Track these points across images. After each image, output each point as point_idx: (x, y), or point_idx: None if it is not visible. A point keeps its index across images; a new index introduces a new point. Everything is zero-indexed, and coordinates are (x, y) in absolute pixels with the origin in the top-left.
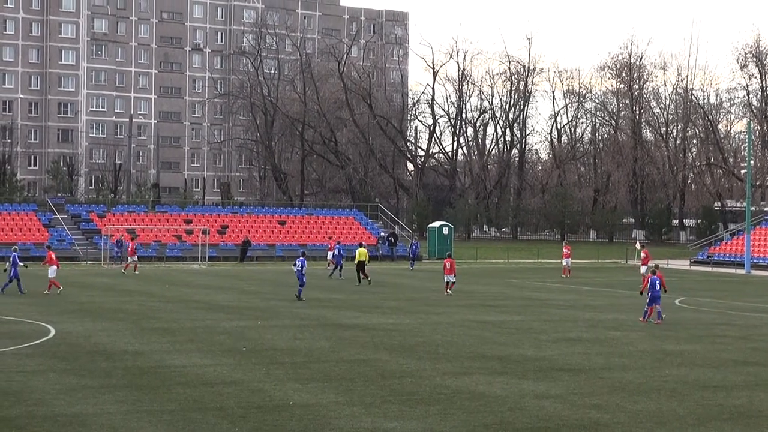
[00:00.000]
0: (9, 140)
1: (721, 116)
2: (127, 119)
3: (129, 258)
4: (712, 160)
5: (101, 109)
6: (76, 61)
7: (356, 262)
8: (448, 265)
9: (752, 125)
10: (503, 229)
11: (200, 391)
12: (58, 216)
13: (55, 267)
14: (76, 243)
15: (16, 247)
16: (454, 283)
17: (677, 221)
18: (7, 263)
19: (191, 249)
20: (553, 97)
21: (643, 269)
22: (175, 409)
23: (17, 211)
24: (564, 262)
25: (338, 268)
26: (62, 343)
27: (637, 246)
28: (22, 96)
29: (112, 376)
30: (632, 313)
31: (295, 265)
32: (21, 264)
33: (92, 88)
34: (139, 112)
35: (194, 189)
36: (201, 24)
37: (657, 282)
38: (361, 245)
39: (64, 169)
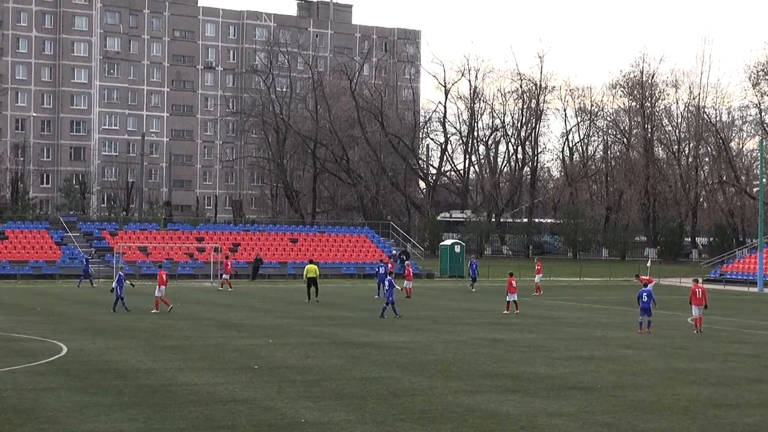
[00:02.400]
0: (22, 158)
1: (734, 134)
2: (140, 137)
3: (225, 275)
4: (725, 178)
5: (113, 127)
6: (88, 80)
7: (306, 278)
8: (513, 283)
9: (764, 143)
10: (514, 248)
11: (212, 409)
12: (71, 234)
13: (163, 287)
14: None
15: (122, 266)
16: (515, 302)
17: (689, 239)
18: (114, 282)
19: (203, 267)
20: (565, 115)
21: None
22: (186, 427)
23: (30, 229)
24: (536, 278)
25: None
26: (74, 360)
27: (649, 264)
28: (34, 114)
29: (123, 394)
30: (644, 332)
31: (381, 278)
32: (127, 283)
33: (104, 106)
34: (151, 131)
35: (206, 207)
36: (213, 42)
37: (644, 293)
38: (310, 262)
39: (77, 187)
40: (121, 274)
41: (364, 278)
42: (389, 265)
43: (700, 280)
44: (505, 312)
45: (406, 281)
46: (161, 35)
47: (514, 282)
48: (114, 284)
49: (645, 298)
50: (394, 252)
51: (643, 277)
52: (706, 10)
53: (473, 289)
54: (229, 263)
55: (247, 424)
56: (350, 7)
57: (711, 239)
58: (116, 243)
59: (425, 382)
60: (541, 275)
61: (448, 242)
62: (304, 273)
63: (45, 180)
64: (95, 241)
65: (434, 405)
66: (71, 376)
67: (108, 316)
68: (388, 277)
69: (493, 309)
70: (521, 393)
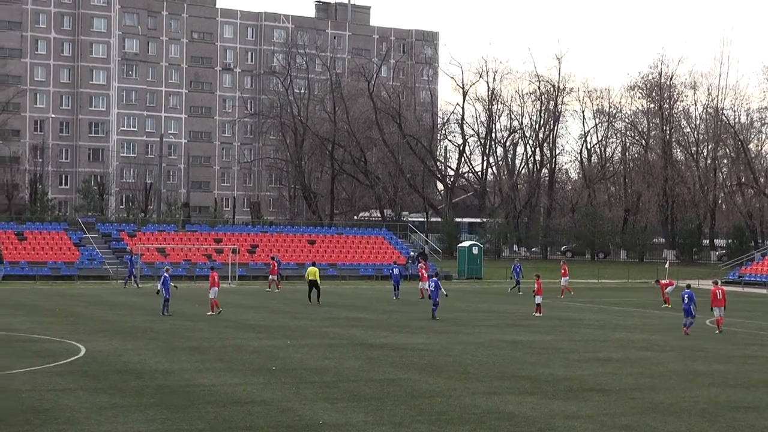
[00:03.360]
0: (40, 159)
1: (752, 136)
2: (158, 139)
3: (271, 276)
4: (743, 179)
5: (132, 129)
6: (107, 81)
7: (307, 280)
8: (541, 285)
9: None
10: (533, 249)
11: (230, 410)
12: (89, 235)
13: (216, 288)
14: (106, 262)
15: (168, 267)
16: (539, 305)
17: (708, 241)
18: (159, 284)
19: (221, 268)
20: (583, 116)
21: (668, 289)
22: (204, 428)
23: (48, 230)
24: (562, 281)
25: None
26: (92, 361)
27: (667, 266)
28: (53, 115)
29: (142, 395)
30: (662, 334)
31: (429, 286)
32: (172, 285)
33: (123, 107)
34: (169, 132)
35: (224, 208)
36: (231, 44)
37: (685, 296)
38: (313, 264)
39: (95, 188)
40: (167, 275)
41: (382, 280)
42: (423, 266)
43: (720, 282)
44: (536, 314)
45: (421, 282)
46: (179, 37)
47: (541, 284)
48: (159, 286)
49: (686, 300)
50: (411, 253)
51: (662, 281)
52: (725, 12)
53: (520, 293)
54: (275, 264)
55: (264, 425)
56: (368, 8)
57: (729, 241)
58: (134, 244)
59: (443, 383)
60: (567, 277)
61: (466, 244)
62: (306, 275)
63: (63, 181)
64: (113, 243)
65: (452, 407)
66: (90, 377)
67: (127, 318)
68: (435, 279)
69: (511, 311)
70: (539, 395)
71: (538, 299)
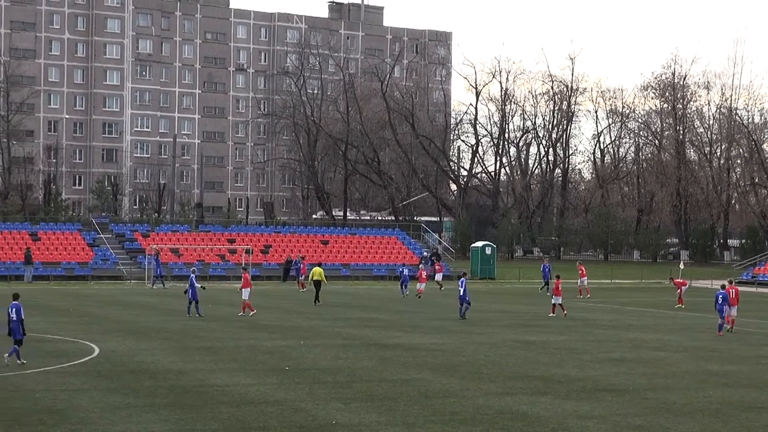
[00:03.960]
0: (54, 160)
1: (766, 136)
2: (171, 139)
3: (302, 276)
4: (757, 180)
5: (145, 129)
6: (120, 82)
7: (312, 281)
8: (560, 286)
9: None
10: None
11: (243, 410)
12: (102, 235)
13: (248, 289)
14: (120, 262)
15: (194, 268)
16: (561, 305)
17: (721, 241)
18: (188, 285)
19: (234, 268)
20: (596, 116)
21: (683, 289)
22: (218, 428)
23: (62, 231)
24: (579, 282)
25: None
26: (106, 361)
27: (681, 266)
28: (67, 116)
29: (155, 395)
30: (676, 334)
31: (460, 286)
32: (198, 285)
33: (136, 108)
34: (183, 132)
35: (238, 208)
36: (244, 44)
37: (720, 296)
38: (319, 264)
39: (109, 188)
40: (193, 276)
41: (395, 280)
42: (438, 267)
43: (733, 282)
44: (551, 315)
45: (419, 283)
46: (193, 37)
47: (560, 285)
48: (188, 287)
49: (720, 301)
50: (425, 253)
51: (676, 280)
52: (738, 12)
53: (549, 293)
54: (304, 264)
55: (278, 425)
56: (381, 8)
57: (743, 241)
58: (148, 244)
59: (456, 383)
60: (585, 278)
61: (479, 244)
62: (310, 276)
63: (77, 181)
64: (127, 243)
65: (465, 407)
66: (103, 377)
67: (140, 318)
68: (462, 279)
69: (524, 311)
70: (552, 395)
71: (556, 300)
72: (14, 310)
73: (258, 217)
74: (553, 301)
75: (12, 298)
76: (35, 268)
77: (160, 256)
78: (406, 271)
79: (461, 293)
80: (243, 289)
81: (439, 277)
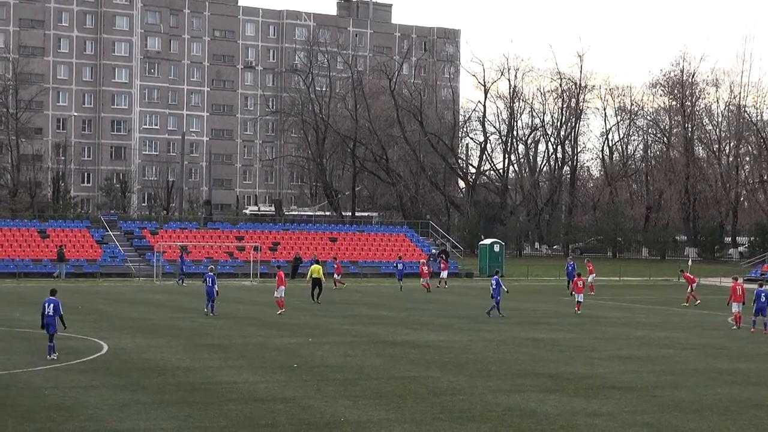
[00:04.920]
0: (63, 157)
1: None
2: (180, 137)
3: (336, 275)
4: (765, 177)
5: (154, 127)
6: (129, 79)
7: (310, 278)
8: (580, 284)
9: None
10: (554, 247)
11: (251, 407)
12: (111, 233)
13: (282, 287)
14: (128, 260)
15: (213, 267)
16: (580, 302)
17: (730, 239)
18: (209, 282)
19: (243, 266)
20: (605, 114)
21: (693, 286)
22: (226, 425)
23: (71, 228)
24: (589, 278)
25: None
26: (115, 358)
27: (690, 263)
28: (75, 113)
29: (164, 392)
30: (685, 332)
31: (491, 284)
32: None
33: (145, 105)
34: (191, 130)
35: (246, 206)
36: (253, 42)
37: (762, 294)
38: (316, 261)
39: (117, 186)
40: (213, 274)
41: (404, 277)
42: (443, 265)
43: (740, 279)
44: (577, 311)
45: (422, 278)
46: (201, 35)
47: (581, 282)
48: (215, 287)
49: (763, 299)
50: (433, 251)
51: (687, 274)
52: (747, 9)
53: (572, 294)
54: (338, 262)
55: (286, 422)
56: (390, 6)
57: (751, 239)
58: (157, 242)
59: (464, 381)
60: (594, 275)
61: (487, 241)
62: (309, 273)
63: (86, 179)
64: (135, 240)
65: (473, 404)
66: (112, 374)
67: (149, 315)
68: (496, 277)
69: (533, 308)
70: (561, 392)
71: (578, 297)
72: (51, 305)
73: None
74: (578, 299)
75: (49, 293)
76: (68, 265)
77: (182, 254)
78: (401, 266)
79: (494, 290)
80: (278, 288)
81: (444, 274)
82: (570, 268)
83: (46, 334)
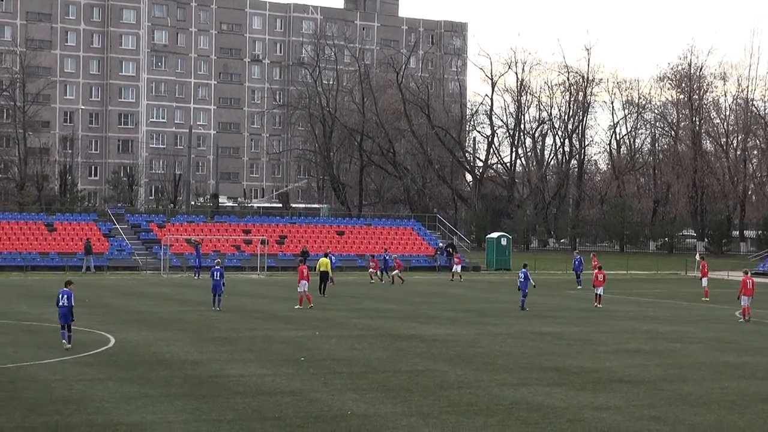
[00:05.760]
0: (70, 151)
1: None
2: (187, 130)
3: (394, 271)
4: None
5: (161, 120)
6: (136, 73)
7: (318, 271)
8: (600, 277)
9: None
10: (562, 240)
11: (259, 400)
12: (118, 226)
13: (305, 282)
14: (135, 253)
15: (219, 260)
16: (599, 295)
17: (737, 232)
18: (217, 275)
19: (250, 259)
20: (612, 107)
21: (704, 281)
22: (233, 418)
23: (78, 221)
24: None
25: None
26: (122, 352)
27: (697, 257)
28: (83, 107)
29: (171, 386)
30: (692, 325)
31: (519, 277)
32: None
33: (152, 99)
34: (198, 123)
35: (253, 199)
36: (260, 35)
37: None
38: (325, 255)
39: (125, 179)
40: (220, 267)
41: (410, 271)
42: (457, 259)
43: (750, 272)
44: (598, 305)
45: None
46: (208, 28)
47: (601, 275)
48: (222, 280)
49: None
50: (440, 244)
51: (705, 262)
52: (755, 2)
53: (579, 286)
54: (397, 259)
55: (293, 415)
56: None
57: (759, 232)
58: (164, 235)
59: (471, 374)
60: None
61: (494, 235)
62: (317, 266)
63: (93, 172)
64: (143, 234)
65: (480, 397)
66: (119, 368)
67: (156, 308)
68: (524, 270)
69: (540, 302)
70: (567, 386)
71: (597, 290)
72: (65, 296)
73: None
74: (597, 291)
75: (64, 284)
76: (95, 258)
77: (198, 247)
78: (387, 257)
79: (522, 284)
80: (300, 282)
81: (458, 268)
82: (576, 262)
83: (60, 325)
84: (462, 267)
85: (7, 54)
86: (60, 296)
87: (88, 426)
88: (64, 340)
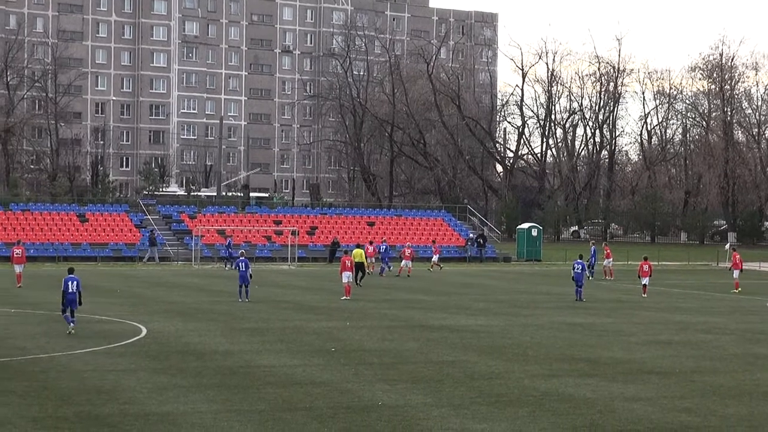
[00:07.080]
0: (102, 142)
1: None
2: (218, 121)
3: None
4: None
5: (192, 111)
6: (167, 64)
7: (354, 262)
8: (645, 267)
9: None
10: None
11: (289, 391)
12: (149, 217)
13: (348, 273)
14: (167, 243)
15: (244, 251)
16: (646, 285)
17: None
18: (242, 266)
19: (281, 250)
20: (643, 98)
21: (735, 273)
22: (264, 408)
23: (109, 212)
24: (605, 262)
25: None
26: (153, 342)
27: (727, 247)
28: (114, 98)
29: (202, 376)
30: (723, 317)
31: (574, 268)
32: (246, 270)
33: (183, 90)
34: (229, 114)
35: (284, 190)
36: (291, 26)
37: None
38: (358, 246)
39: (156, 170)
40: (245, 258)
41: (442, 261)
42: (434, 250)
43: None
44: (644, 296)
45: (642, 278)
46: (239, 19)
47: (646, 266)
48: (242, 266)
49: None
50: (471, 235)
51: (736, 254)
52: None
53: (590, 277)
54: (436, 246)
55: (324, 406)
56: None
57: None
58: (195, 226)
59: (502, 365)
60: (611, 259)
61: (525, 226)
62: (352, 257)
63: (124, 163)
64: (174, 224)
65: (511, 388)
66: (150, 358)
67: (187, 299)
68: (581, 261)
69: (571, 293)
70: (598, 377)
71: (643, 280)
72: (74, 282)
73: (304, 199)
74: (643, 282)
75: (68, 272)
76: (159, 249)
77: (229, 239)
78: (384, 248)
79: (576, 275)
80: (343, 273)
81: (435, 258)
82: (591, 252)
83: (63, 311)
84: (439, 257)
85: (39, 45)
86: (69, 283)
87: (120, 416)
88: (70, 324)
